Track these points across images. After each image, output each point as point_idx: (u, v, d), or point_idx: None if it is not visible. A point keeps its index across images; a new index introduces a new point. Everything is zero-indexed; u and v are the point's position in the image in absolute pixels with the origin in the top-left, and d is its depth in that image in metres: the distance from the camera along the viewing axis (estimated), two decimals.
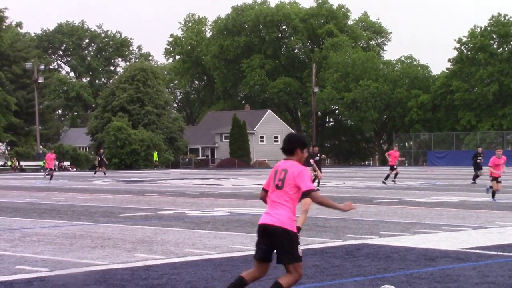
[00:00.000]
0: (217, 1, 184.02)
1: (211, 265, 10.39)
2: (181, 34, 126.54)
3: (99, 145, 77.64)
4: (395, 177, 35.65)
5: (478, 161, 35.74)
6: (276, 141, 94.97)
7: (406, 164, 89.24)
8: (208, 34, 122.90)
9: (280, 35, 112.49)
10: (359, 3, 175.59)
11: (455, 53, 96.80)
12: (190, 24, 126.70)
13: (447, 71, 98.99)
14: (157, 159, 77.14)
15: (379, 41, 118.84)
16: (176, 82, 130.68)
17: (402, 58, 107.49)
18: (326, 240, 13.20)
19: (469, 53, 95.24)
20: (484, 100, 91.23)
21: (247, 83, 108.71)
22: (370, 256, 11.17)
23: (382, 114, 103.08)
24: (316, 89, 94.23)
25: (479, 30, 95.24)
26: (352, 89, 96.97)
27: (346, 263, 10.59)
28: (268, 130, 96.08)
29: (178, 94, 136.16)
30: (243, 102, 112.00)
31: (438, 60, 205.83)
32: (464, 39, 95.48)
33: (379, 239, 13.22)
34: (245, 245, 12.48)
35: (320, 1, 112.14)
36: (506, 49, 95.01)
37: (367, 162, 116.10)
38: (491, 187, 23.72)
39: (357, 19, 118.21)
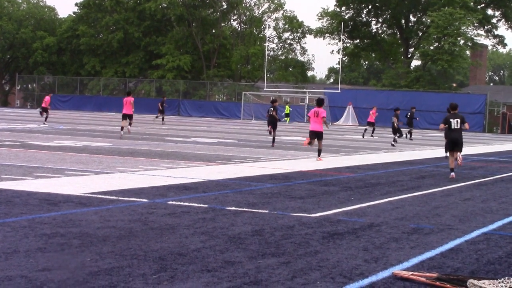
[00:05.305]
0: None
1: None
2: None
3: None
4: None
5: None
6: None
7: (29, 107, 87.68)
8: None
9: None
10: None
11: None
12: None
13: (74, 15, 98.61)
14: None
15: None
16: None
17: None
18: None
19: None
20: (109, 47, 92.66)
21: None
22: None
23: (5, 54, 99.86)
24: None
25: None
26: None
27: None
28: None
29: None
30: None
31: (66, 3, 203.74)
32: None
33: (0, 183, 12.89)
34: None
35: None
36: None
37: None
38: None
39: None
